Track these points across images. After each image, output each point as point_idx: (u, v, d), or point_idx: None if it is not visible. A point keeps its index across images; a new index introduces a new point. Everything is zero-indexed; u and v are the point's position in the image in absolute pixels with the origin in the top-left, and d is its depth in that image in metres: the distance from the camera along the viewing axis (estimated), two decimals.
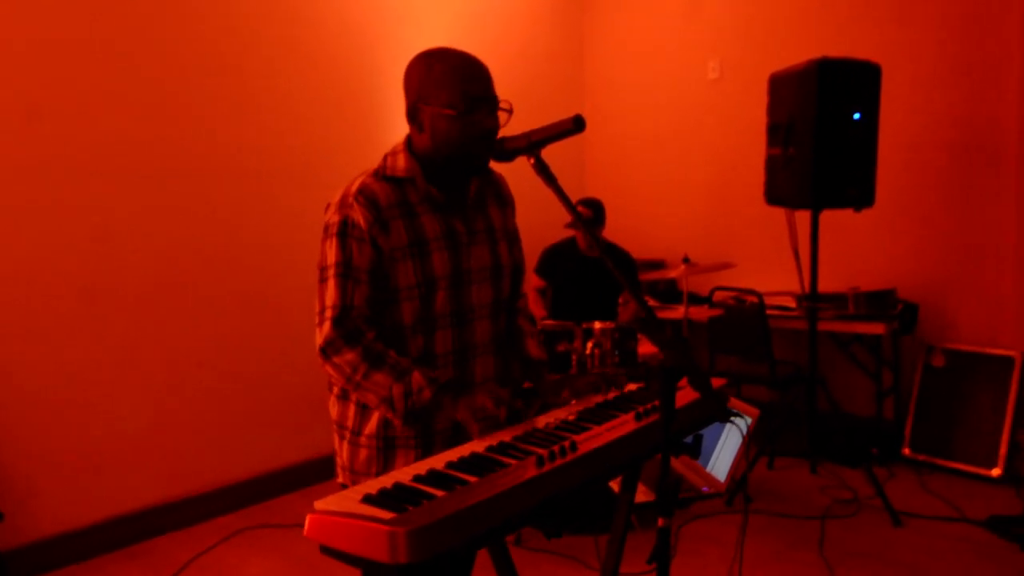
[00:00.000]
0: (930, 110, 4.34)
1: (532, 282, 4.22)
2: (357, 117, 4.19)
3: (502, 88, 1.70)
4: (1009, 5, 4.09)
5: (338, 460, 1.79)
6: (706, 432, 2.58)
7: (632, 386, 1.87)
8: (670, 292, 4.94)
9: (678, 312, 4.16)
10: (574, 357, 1.88)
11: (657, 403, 1.58)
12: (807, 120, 3.60)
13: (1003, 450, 3.90)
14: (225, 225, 3.69)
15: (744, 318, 4.15)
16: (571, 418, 1.59)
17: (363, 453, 1.71)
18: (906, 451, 4.16)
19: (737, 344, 4.21)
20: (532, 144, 1.57)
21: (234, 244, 3.72)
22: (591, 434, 1.46)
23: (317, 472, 3.93)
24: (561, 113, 1.57)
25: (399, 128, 4.16)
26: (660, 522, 1.42)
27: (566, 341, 1.92)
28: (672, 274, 4.13)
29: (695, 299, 4.56)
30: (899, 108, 4.26)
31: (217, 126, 3.64)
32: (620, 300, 3.99)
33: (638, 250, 4.57)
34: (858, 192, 3.69)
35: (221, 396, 3.68)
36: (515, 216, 1.93)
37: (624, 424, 1.52)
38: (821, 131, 3.56)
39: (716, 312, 4.10)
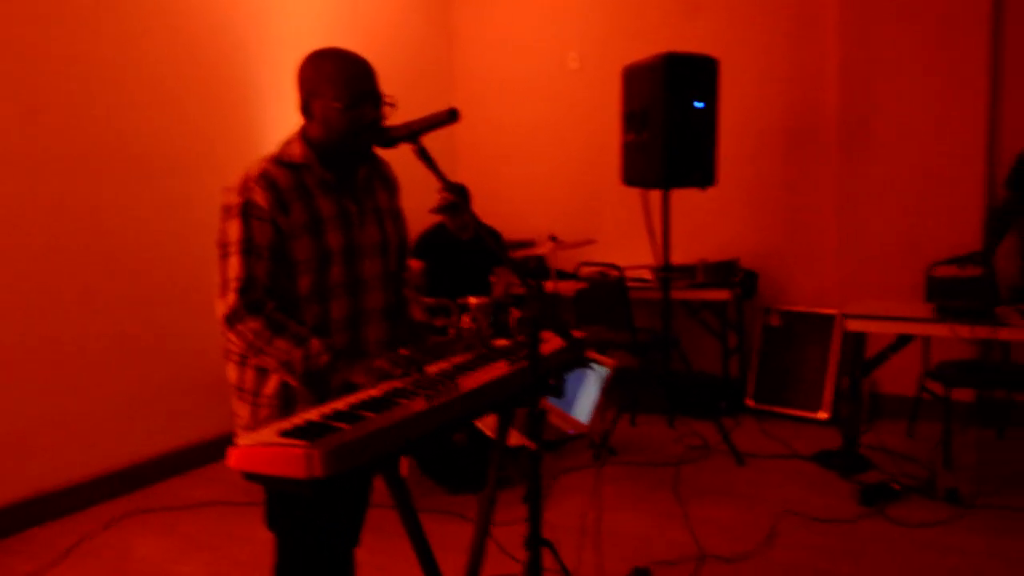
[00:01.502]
0: (764, 100, 4.88)
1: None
2: (235, 110, 4.25)
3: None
4: (827, 8, 4.67)
5: (238, 422, 1.94)
6: (569, 382, 2.90)
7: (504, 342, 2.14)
8: (540, 269, 5.28)
9: (547, 287, 4.50)
10: (452, 331, 2.12)
11: (526, 352, 1.86)
12: (657, 109, 4.00)
13: (828, 396, 4.50)
14: (105, 214, 3.68)
15: (607, 290, 4.53)
16: (452, 367, 1.84)
17: (264, 412, 1.88)
18: (749, 402, 4.71)
19: (602, 314, 4.60)
20: (413, 133, 1.80)
21: (116, 233, 3.72)
22: (470, 376, 1.72)
23: (200, 456, 3.99)
24: (432, 102, 1.82)
25: (277, 119, 4.29)
26: (532, 445, 1.70)
27: (443, 316, 2.16)
28: (540, 251, 4.46)
29: (563, 275, 4.91)
30: (738, 98, 4.77)
31: (95, 119, 3.62)
32: (491, 277, 4.28)
33: (509, 231, 4.87)
34: (702, 173, 4.14)
35: (99, 384, 3.68)
36: (399, 197, 2.15)
37: (498, 368, 1.79)
38: (669, 119, 3.97)
39: (582, 286, 4.47)
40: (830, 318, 4.63)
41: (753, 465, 3.89)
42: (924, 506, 3.36)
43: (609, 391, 3.47)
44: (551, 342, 1.94)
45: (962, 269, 4.19)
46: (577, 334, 2.01)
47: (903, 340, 3.81)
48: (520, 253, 4.65)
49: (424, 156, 1.79)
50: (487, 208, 4.79)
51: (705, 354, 4.96)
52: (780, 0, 4.82)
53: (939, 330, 3.57)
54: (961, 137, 4.40)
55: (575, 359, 1.99)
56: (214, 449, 3.93)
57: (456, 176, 5.05)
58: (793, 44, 4.80)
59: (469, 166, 5.79)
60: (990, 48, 4.31)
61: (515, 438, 1.92)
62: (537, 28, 5.56)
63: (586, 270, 4.74)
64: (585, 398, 2.78)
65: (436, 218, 4.47)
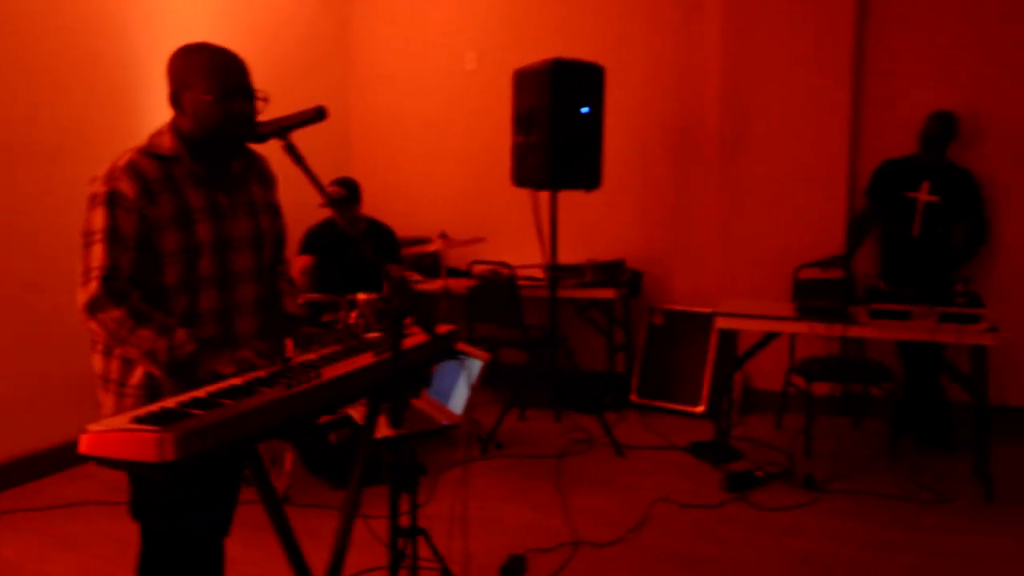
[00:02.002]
0: (651, 105, 5.10)
1: (298, 263, 4.40)
2: (119, 99, 4.12)
3: (267, 75, 1.94)
4: (709, 18, 4.92)
5: (103, 413, 1.93)
6: (446, 373, 2.98)
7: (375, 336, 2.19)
8: (434, 266, 5.34)
9: (438, 284, 4.57)
10: (340, 327, 2.15)
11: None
12: (544, 112, 4.13)
13: (705, 391, 4.74)
14: None
15: (498, 289, 4.64)
16: (319, 357, 1.89)
17: (128, 402, 1.87)
18: (633, 397, 4.91)
19: (493, 313, 4.70)
20: (281, 129, 1.83)
21: None
22: (334, 367, 1.78)
23: (71, 455, 3.84)
24: (324, 96, 1.86)
25: (155, 111, 4.18)
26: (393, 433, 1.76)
27: (331, 311, 2.19)
28: (431, 248, 4.53)
29: (455, 272, 4.99)
30: (625, 103, 4.98)
31: None
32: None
33: (403, 228, 4.91)
34: (588, 175, 4.30)
35: None
36: (277, 192, 2.18)
37: (363, 359, 1.85)
38: (556, 122, 4.11)
39: (473, 283, 4.55)
40: (709, 317, 4.87)
41: (632, 456, 4.07)
42: (784, 491, 3.61)
43: (488, 384, 3.56)
44: (418, 335, 2.00)
45: (825, 271, 4.48)
46: (443, 328, 2.09)
47: (769, 337, 4.06)
48: (412, 250, 4.70)
49: (292, 152, 1.83)
50: (380, 204, 4.83)
51: (593, 351, 5.13)
52: (665, 9, 5.05)
53: (799, 327, 3.84)
54: (828, 148, 4.72)
55: (443, 352, 2.07)
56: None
57: (350, 171, 5.04)
58: (677, 52, 5.04)
59: (363, 161, 5.78)
60: (852, 65, 4.65)
61: (383, 429, 1.98)
62: (436, 26, 5.62)
63: (478, 268, 4.83)
64: (459, 390, 2.87)
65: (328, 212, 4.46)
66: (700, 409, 4.70)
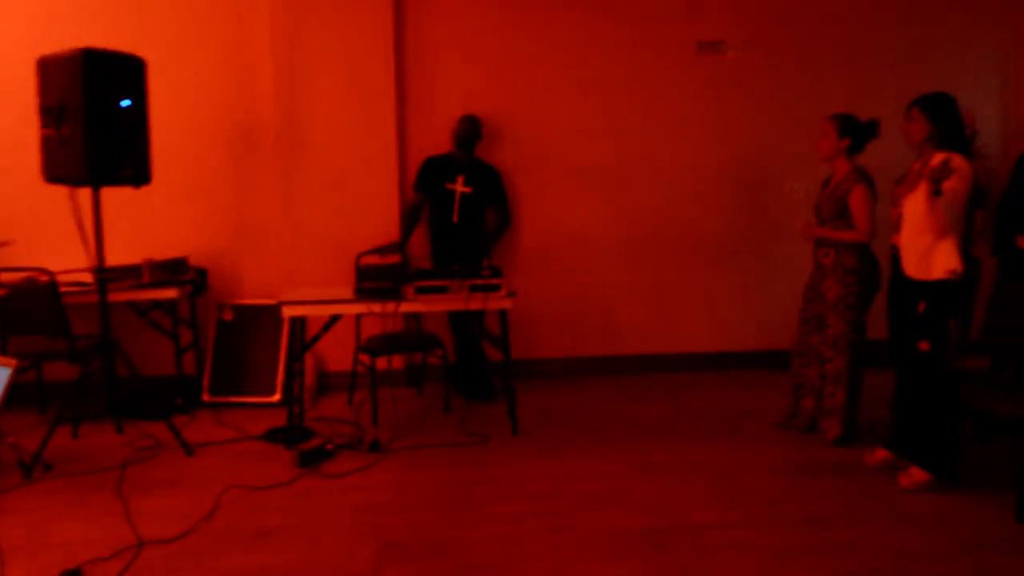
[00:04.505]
0: (204, 101, 5.04)
1: None
2: None
3: None
4: (260, 21, 5.02)
5: None
6: None
7: None
8: None
9: None
10: None
11: None
12: (77, 104, 3.84)
13: (279, 380, 4.86)
14: None
15: (38, 297, 4.18)
16: None
17: None
18: (206, 396, 4.83)
19: (34, 324, 4.21)
20: None
21: None
22: None
23: None
24: None
25: None
26: None
27: None
28: None
29: None
30: (178, 98, 4.85)
31: None
32: None
33: None
34: (134, 171, 4.10)
35: None
36: None
37: None
38: (91, 115, 3.84)
39: (2, 292, 4.04)
40: (278, 308, 4.99)
41: (204, 453, 4.02)
42: (353, 458, 3.91)
43: (33, 403, 3.22)
44: None
45: (384, 257, 4.93)
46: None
47: (333, 320, 4.34)
48: None
49: None
50: None
51: (159, 355, 4.90)
52: (216, 4, 5.02)
53: (358, 308, 4.19)
54: (379, 145, 5.18)
55: None
56: None
57: None
58: (230, 48, 5.04)
59: None
60: (396, 71, 5.16)
61: None
62: None
63: (7, 276, 4.30)
64: None
65: None
66: (276, 398, 4.81)
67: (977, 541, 3.01)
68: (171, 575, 2.80)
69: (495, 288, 4.20)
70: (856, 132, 3.99)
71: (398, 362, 5.22)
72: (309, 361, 4.99)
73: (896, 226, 3.61)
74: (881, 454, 3.76)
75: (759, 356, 5.61)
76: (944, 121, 3.49)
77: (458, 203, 5.03)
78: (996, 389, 3.43)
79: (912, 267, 3.51)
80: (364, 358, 4.60)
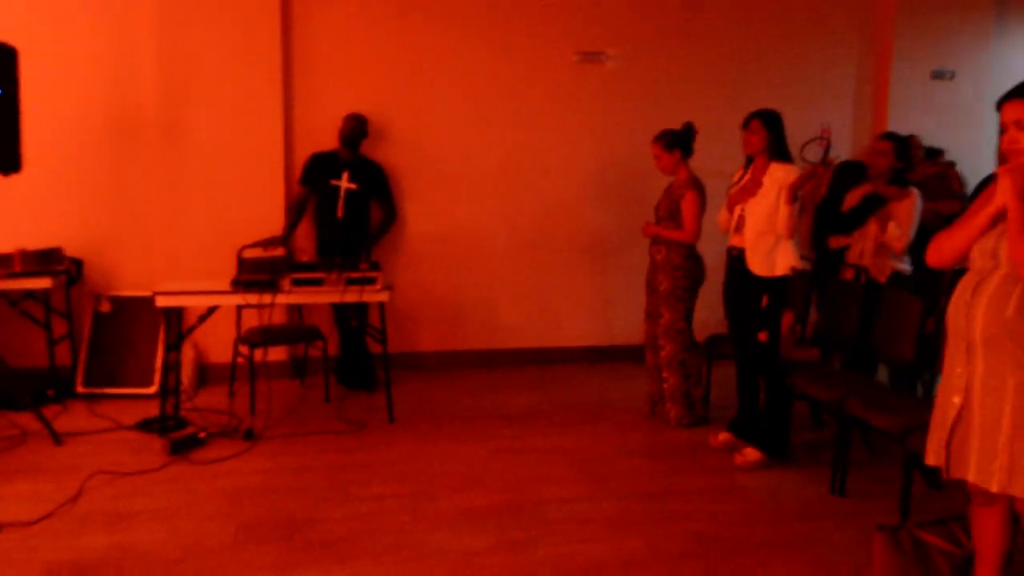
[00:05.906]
0: (83, 91, 4.97)
1: None
2: None
3: None
4: (144, 12, 5.01)
5: None
6: None
7: None
8: None
9: None
10: None
11: None
12: None
13: (157, 371, 4.87)
14: None
15: None
16: None
17: None
18: (80, 388, 4.79)
19: None
20: None
21: None
22: None
23: None
24: None
25: None
26: None
27: None
28: None
29: None
30: (55, 87, 4.80)
31: None
32: None
33: None
34: (4, 159, 4.06)
35: None
36: None
37: None
38: None
39: None
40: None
41: (74, 442, 4.02)
42: (226, 446, 3.99)
43: None
44: None
45: (267, 250, 4.99)
46: None
47: (211, 311, 4.39)
48: None
49: None
50: None
51: (31, 346, 4.82)
52: None
53: (234, 299, 4.25)
54: (265, 141, 5.22)
55: None
56: None
57: None
58: (112, 38, 4.99)
59: None
60: (283, 68, 5.23)
61: None
62: None
63: None
64: None
65: None
66: (153, 390, 4.82)
67: (796, 511, 3.37)
68: (27, 555, 2.85)
69: (371, 281, 4.35)
70: (679, 141, 4.38)
71: (282, 354, 5.29)
72: (189, 353, 5.02)
73: (736, 228, 3.96)
74: (723, 436, 4.11)
75: (638, 350, 5.93)
76: (777, 132, 3.86)
77: (343, 199, 5.14)
78: (819, 377, 3.81)
79: (757, 265, 3.86)
80: (244, 349, 4.67)
